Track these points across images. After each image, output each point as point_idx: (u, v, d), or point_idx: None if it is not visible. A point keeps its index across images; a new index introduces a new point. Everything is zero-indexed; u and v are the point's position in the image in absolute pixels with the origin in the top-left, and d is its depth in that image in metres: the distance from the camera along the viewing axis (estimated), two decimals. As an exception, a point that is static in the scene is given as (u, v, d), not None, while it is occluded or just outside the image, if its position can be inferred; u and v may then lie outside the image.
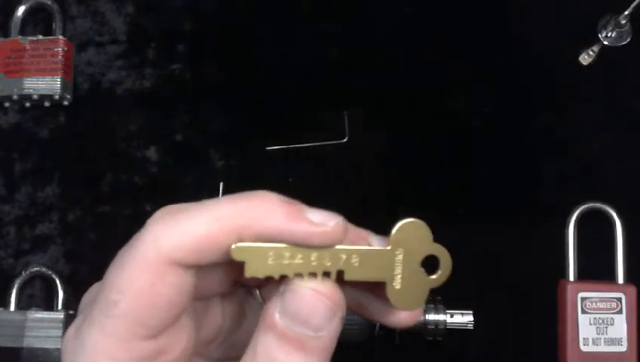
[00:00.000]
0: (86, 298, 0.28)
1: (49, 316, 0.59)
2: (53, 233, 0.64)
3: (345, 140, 0.64)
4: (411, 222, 0.28)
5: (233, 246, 0.26)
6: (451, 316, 0.57)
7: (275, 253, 0.26)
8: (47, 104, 0.65)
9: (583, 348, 0.57)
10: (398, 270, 0.28)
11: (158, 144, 0.65)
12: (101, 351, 0.25)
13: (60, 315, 0.60)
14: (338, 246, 0.27)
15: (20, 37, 0.65)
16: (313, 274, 0.26)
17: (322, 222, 0.26)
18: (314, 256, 0.26)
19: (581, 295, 0.57)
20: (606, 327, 0.57)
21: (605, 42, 0.64)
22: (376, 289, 0.28)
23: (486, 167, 0.63)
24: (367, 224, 0.28)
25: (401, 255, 0.28)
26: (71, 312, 0.60)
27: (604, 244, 0.59)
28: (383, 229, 0.28)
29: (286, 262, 0.26)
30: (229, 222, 0.25)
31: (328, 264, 0.27)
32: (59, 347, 0.58)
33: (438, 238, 0.28)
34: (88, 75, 0.66)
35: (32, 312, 0.60)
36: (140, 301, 0.25)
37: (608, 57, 0.64)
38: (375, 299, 0.29)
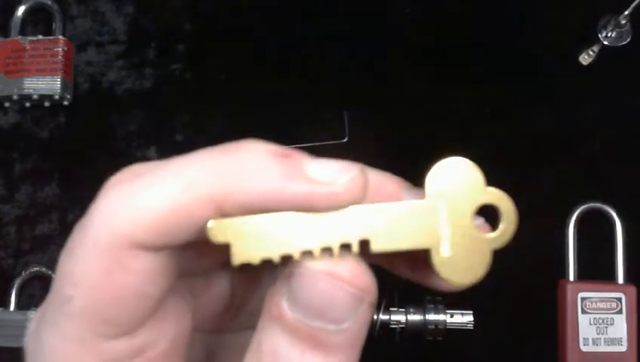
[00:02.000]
0: None
1: (49, 316, 0.59)
2: (53, 233, 0.64)
3: (345, 140, 0.64)
4: (453, 161, 0.21)
5: (210, 224, 0.20)
6: (451, 316, 0.57)
7: (270, 226, 0.20)
8: (47, 104, 0.65)
9: (583, 348, 0.57)
10: (445, 230, 0.21)
11: (158, 144, 0.65)
12: (62, 356, 0.20)
13: (60, 315, 0.59)
14: (357, 207, 0.20)
15: (20, 37, 0.65)
16: (327, 250, 0.20)
17: (331, 178, 0.20)
18: (325, 223, 0.20)
19: (581, 295, 0.57)
20: (606, 327, 0.57)
21: (605, 42, 0.64)
22: (418, 258, 0.21)
23: (486, 167, 0.63)
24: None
25: (446, 209, 0.21)
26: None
27: (604, 244, 0.59)
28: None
29: (287, 236, 0.20)
30: (203, 189, 0.20)
31: (347, 233, 0.20)
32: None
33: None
34: (88, 75, 0.66)
35: (32, 312, 0.60)
36: (98, 295, 0.20)
37: (608, 57, 0.64)
38: (415, 262, 0.22)
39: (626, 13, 0.62)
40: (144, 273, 0.20)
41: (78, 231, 0.20)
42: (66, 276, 0.20)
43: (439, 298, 0.58)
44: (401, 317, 0.57)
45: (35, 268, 0.62)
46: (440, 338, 0.58)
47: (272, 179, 0.19)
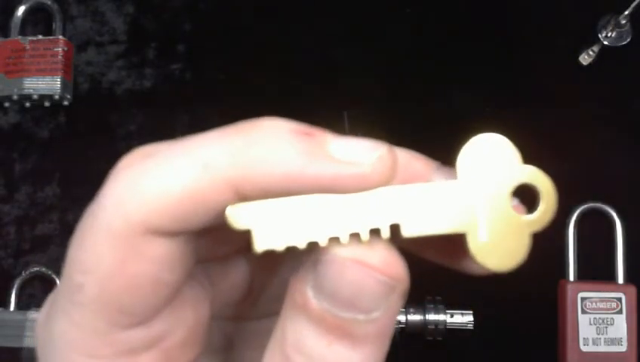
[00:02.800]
0: None
1: (49, 316, 0.59)
2: (53, 233, 0.64)
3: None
4: (485, 137, 0.20)
5: (229, 209, 0.18)
6: (451, 316, 0.57)
7: (293, 211, 0.18)
8: (47, 104, 0.65)
9: (583, 348, 0.57)
10: (481, 213, 0.19)
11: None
12: (75, 346, 0.19)
13: (60, 315, 0.59)
14: (386, 189, 0.19)
15: (20, 37, 0.65)
16: (355, 235, 0.18)
17: (358, 158, 0.18)
18: (353, 207, 0.18)
19: (581, 295, 0.57)
20: (606, 327, 0.57)
21: (605, 42, 0.64)
22: (450, 241, 0.20)
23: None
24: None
25: (480, 190, 0.19)
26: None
27: (604, 244, 0.59)
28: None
29: (313, 222, 0.18)
30: (220, 171, 0.18)
31: (376, 217, 0.18)
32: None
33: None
34: (88, 75, 0.66)
35: (32, 312, 0.60)
36: (112, 283, 0.19)
37: (608, 57, 0.64)
38: (446, 246, 0.21)
39: (626, 13, 0.62)
40: (160, 260, 0.19)
41: (89, 217, 0.20)
42: (77, 263, 0.19)
43: (439, 298, 0.58)
44: (401, 317, 0.57)
45: (35, 268, 0.62)
46: (440, 338, 0.58)
47: (294, 159, 0.18)
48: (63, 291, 0.20)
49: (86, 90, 0.66)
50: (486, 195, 0.19)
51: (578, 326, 0.57)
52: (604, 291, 0.57)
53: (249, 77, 0.66)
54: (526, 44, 0.65)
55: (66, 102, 0.65)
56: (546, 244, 0.61)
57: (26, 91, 0.64)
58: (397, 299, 0.19)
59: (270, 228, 0.18)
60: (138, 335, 0.20)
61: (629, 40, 0.64)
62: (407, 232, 0.19)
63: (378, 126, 0.66)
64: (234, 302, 0.24)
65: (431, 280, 0.56)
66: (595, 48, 0.63)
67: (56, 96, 0.64)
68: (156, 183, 0.18)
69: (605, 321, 0.57)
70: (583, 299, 0.57)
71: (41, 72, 0.64)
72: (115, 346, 0.19)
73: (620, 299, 0.57)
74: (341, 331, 0.18)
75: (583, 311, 0.57)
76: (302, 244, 0.18)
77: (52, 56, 0.64)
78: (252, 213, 0.18)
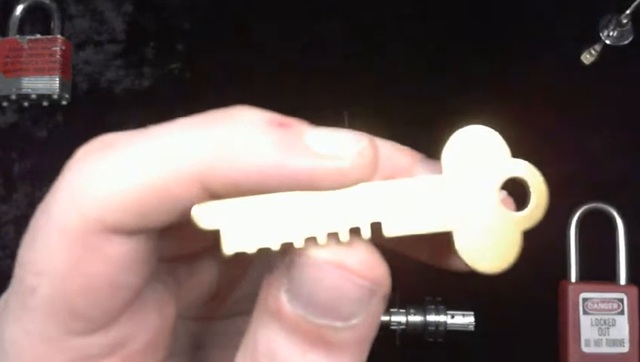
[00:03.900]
0: None
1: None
2: (51, 233, 0.63)
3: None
4: (472, 129, 0.18)
5: (195, 208, 0.17)
6: (452, 317, 0.57)
7: (266, 209, 0.17)
8: (45, 104, 0.64)
9: (585, 350, 0.56)
10: (468, 210, 0.18)
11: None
12: (25, 355, 0.18)
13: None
14: (367, 185, 0.17)
15: (18, 36, 0.65)
16: (333, 235, 0.17)
17: (337, 151, 0.17)
18: (331, 204, 0.17)
19: (583, 296, 0.57)
20: (608, 328, 0.57)
21: (607, 41, 0.63)
22: (438, 241, 0.19)
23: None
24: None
25: (468, 184, 0.18)
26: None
27: (606, 245, 0.59)
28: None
29: (288, 221, 0.17)
30: (186, 164, 0.17)
31: (356, 215, 0.17)
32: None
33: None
34: (87, 74, 0.66)
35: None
36: (65, 286, 0.17)
37: (610, 56, 0.64)
38: (434, 244, 0.20)
39: (628, 12, 0.61)
40: (118, 260, 0.17)
41: (42, 212, 0.18)
42: (29, 264, 0.18)
43: (439, 298, 0.58)
44: (402, 318, 0.57)
45: (34, 269, 0.62)
46: (441, 340, 0.57)
47: (268, 152, 0.17)
48: (14, 295, 0.18)
49: (84, 89, 0.66)
50: (473, 191, 0.18)
51: (579, 327, 0.57)
52: (605, 292, 0.57)
53: (248, 76, 0.65)
54: (527, 43, 0.65)
55: (64, 102, 0.65)
56: (547, 245, 0.61)
57: (24, 91, 0.63)
58: (378, 303, 0.17)
59: (240, 228, 0.17)
60: (95, 341, 0.18)
61: (630, 39, 0.63)
62: (389, 231, 0.18)
63: (378, 126, 0.66)
64: (202, 302, 0.22)
65: (431, 280, 0.56)
66: (597, 47, 0.63)
67: (55, 96, 0.64)
68: (115, 177, 0.17)
69: (607, 322, 0.57)
70: (584, 299, 0.57)
71: (40, 71, 0.63)
72: (69, 354, 0.18)
73: (621, 300, 0.57)
74: (317, 339, 0.17)
75: (585, 312, 0.57)
76: (275, 246, 0.17)
77: (50, 55, 0.64)
78: (221, 211, 0.17)
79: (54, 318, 0.17)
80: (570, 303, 0.57)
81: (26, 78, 0.64)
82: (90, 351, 0.18)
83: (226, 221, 0.17)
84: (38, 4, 0.66)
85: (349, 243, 0.17)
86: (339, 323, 0.17)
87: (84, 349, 0.18)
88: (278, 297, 0.17)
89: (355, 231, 0.17)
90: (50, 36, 0.64)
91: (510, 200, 0.19)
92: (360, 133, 0.18)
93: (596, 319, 0.57)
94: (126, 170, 0.17)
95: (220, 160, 0.17)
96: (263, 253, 0.17)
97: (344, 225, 0.17)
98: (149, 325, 0.19)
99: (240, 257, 0.18)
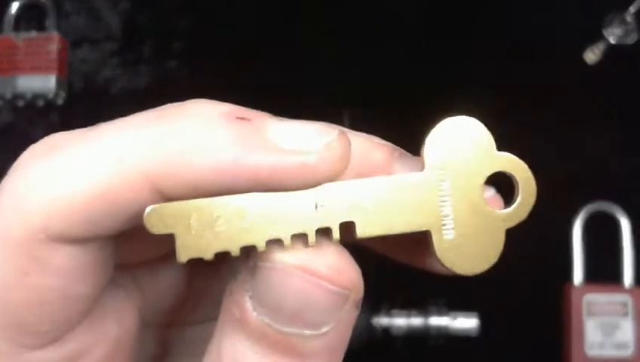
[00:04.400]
0: None
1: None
2: (46, 234, 0.63)
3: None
4: (456, 121, 0.18)
5: (148, 211, 0.16)
6: (454, 318, 0.57)
7: (225, 211, 0.16)
8: (41, 102, 0.64)
9: (589, 352, 0.56)
10: (447, 208, 0.17)
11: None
12: None
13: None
14: (337, 183, 0.16)
15: (13, 34, 0.64)
16: (300, 236, 0.16)
17: (302, 146, 0.16)
18: (297, 204, 0.16)
19: (587, 298, 0.57)
20: (612, 331, 0.56)
21: (611, 40, 0.63)
22: (416, 239, 0.17)
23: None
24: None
25: (449, 181, 0.17)
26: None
27: (611, 246, 0.58)
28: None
29: (249, 223, 0.16)
30: (136, 166, 0.16)
31: (324, 215, 0.16)
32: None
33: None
34: (83, 72, 0.66)
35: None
36: (11, 299, 0.16)
37: (613, 55, 0.63)
38: (413, 244, 0.18)
39: (632, 10, 0.61)
40: (68, 271, 0.16)
41: None
42: None
43: (442, 299, 0.57)
44: (403, 321, 0.57)
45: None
46: (442, 342, 0.57)
47: (225, 149, 0.16)
48: None
49: (80, 88, 0.66)
50: (454, 186, 0.17)
51: (584, 330, 0.56)
52: (610, 294, 0.57)
53: (247, 75, 0.65)
54: (529, 43, 0.65)
55: (60, 101, 0.64)
56: (551, 246, 0.61)
57: (19, 90, 0.63)
58: (350, 309, 0.16)
59: (196, 232, 0.16)
60: (50, 355, 0.17)
61: (634, 37, 0.63)
62: (361, 232, 0.17)
63: (378, 125, 0.66)
64: (168, 309, 0.21)
65: (432, 282, 0.55)
66: (601, 46, 0.63)
67: (51, 95, 0.63)
68: (59, 181, 0.16)
69: (611, 325, 0.56)
70: (588, 302, 0.57)
71: (35, 69, 0.63)
72: None
73: (626, 303, 0.57)
74: (285, 348, 0.16)
75: (589, 315, 0.57)
76: (235, 250, 0.16)
77: (46, 53, 0.63)
78: (174, 214, 0.16)
79: (2, 333, 0.16)
80: (575, 305, 0.57)
81: (22, 77, 0.63)
82: None
83: (180, 225, 0.16)
84: (33, 2, 0.66)
85: (317, 246, 0.16)
86: (308, 332, 0.16)
87: None
88: (243, 304, 0.16)
89: (324, 233, 0.16)
90: (45, 34, 0.64)
91: (498, 197, 0.18)
92: (329, 124, 0.16)
93: (601, 322, 0.57)
94: (71, 173, 0.16)
95: (172, 159, 0.16)
96: (222, 258, 0.16)
97: (312, 226, 0.16)
98: (108, 335, 0.18)
99: (198, 263, 0.16)
